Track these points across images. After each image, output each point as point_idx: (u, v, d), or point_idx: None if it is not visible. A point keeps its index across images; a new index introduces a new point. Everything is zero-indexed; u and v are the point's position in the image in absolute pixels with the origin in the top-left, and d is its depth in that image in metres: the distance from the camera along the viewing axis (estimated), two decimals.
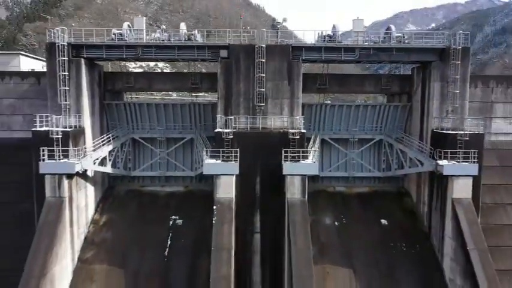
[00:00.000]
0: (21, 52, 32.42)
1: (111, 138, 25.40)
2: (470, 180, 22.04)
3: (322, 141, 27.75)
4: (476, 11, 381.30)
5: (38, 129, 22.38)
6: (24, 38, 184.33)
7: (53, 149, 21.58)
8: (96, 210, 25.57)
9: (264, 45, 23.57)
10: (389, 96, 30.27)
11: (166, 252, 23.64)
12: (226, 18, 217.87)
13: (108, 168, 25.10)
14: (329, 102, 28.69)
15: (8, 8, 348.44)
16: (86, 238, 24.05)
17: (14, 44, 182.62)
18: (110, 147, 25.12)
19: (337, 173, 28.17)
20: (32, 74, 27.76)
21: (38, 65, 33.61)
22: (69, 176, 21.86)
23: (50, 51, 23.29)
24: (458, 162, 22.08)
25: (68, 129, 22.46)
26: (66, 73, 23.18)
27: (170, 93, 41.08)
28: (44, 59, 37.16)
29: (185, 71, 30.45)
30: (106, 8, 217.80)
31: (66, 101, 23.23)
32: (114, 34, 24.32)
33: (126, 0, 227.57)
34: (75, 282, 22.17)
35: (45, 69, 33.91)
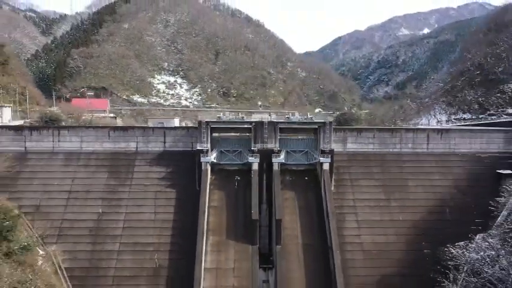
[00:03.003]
0: (175, 117, 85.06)
1: (215, 151, 78.23)
2: (328, 163, 74.80)
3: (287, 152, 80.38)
4: (460, 21, 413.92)
5: (198, 148, 75.12)
6: (72, 61, 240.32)
7: (204, 154, 74.22)
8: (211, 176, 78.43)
9: (266, 121, 76.29)
10: (314, 134, 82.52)
11: (235, 186, 76.51)
12: (232, 38, 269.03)
13: (215, 161, 77.75)
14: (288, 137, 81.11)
15: (36, 25, 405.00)
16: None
17: (64, 66, 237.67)
18: (215, 154, 77.92)
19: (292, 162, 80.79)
20: (185, 127, 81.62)
21: (176, 120, 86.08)
22: (209, 163, 74.73)
23: (199, 123, 75.93)
24: (325, 158, 74.82)
25: (206, 148, 75.22)
26: (204, 130, 75.84)
27: None
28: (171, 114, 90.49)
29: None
30: (132, 33, 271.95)
31: (204, 138, 75.90)
32: (219, 116, 77.22)
33: (148, 25, 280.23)
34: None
35: (178, 124, 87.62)
